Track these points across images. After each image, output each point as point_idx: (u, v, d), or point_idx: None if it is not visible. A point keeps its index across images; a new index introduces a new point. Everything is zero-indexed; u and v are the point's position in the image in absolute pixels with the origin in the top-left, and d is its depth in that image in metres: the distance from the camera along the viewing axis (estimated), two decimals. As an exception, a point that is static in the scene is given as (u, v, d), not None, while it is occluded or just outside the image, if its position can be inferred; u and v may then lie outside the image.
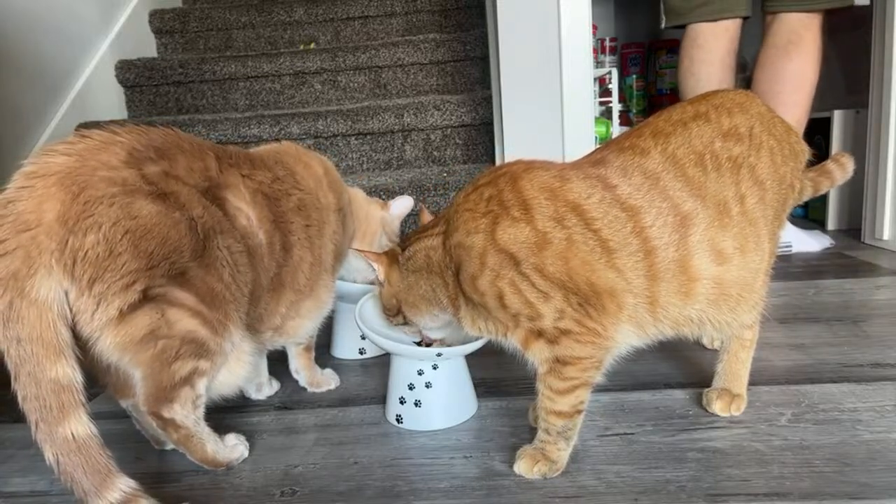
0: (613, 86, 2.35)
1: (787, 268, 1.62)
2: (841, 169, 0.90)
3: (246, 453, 0.83)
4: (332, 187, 1.00)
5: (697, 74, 1.63)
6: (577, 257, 0.68)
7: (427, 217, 0.91)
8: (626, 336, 0.73)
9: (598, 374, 0.72)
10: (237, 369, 0.79)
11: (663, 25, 1.76)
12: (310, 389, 1.04)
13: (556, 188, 0.70)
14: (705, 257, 0.69)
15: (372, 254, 0.85)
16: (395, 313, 0.85)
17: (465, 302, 0.75)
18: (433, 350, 0.85)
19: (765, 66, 1.64)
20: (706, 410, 0.86)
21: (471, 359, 0.93)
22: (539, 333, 0.70)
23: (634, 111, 2.99)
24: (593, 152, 0.76)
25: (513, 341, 0.73)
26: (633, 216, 0.68)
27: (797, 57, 1.58)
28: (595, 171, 0.71)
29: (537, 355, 0.71)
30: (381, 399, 0.97)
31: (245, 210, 0.79)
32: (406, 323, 0.85)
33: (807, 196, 0.89)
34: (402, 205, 1.19)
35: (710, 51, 1.60)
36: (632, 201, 0.69)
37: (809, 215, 2.24)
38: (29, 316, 0.61)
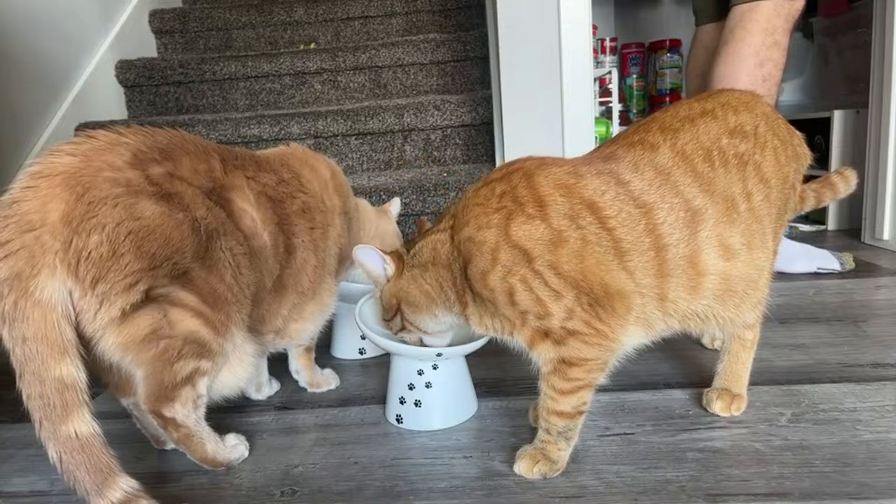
0: (613, 86, 2.35)
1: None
2: (845, 182, 0.91)
3: (246, 453, 0.83)
4: (338, 191, 1.01)
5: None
6: (592, 256, 0.67)
7: (427, 227, 0.88)
8: (633, 337, 0.73)
9: (602, 376, 0.72)
10: (239, 370, 0.79)
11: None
12: (310, 389, 1.04)
13: (572, 185, 0.69)
14: (713, 253, 0.70)
15: (385, 253, 0.83)
16: (393, 314, 0.82)
17: (472, 298, 0.74)
18: (433, 350, 0.85)
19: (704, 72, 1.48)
20: (706, 410, 0.86)
21: (471, 359, 0.93)
22: (546, 333, 0.70)
23: (634, 111, 2.99)
24: (600, 147, 0.76)
25: (518, 340, 0.73)
26: (647, 213, 0.68)
27: (726, 57, 1.37)
28: (607, 166, 0.71)
29: (542, 355, 0.71)
30: (381, 399, 0.98)
31: (250, 212, 0.80)
32: (404, 328, 0.82)
33: (809, 206, 0.89)
34: (397, 207, 1.29)
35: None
36: (644, 197, 0.69)
37: (810, 215, 2.24)
38: (33, 315, 0.62)
